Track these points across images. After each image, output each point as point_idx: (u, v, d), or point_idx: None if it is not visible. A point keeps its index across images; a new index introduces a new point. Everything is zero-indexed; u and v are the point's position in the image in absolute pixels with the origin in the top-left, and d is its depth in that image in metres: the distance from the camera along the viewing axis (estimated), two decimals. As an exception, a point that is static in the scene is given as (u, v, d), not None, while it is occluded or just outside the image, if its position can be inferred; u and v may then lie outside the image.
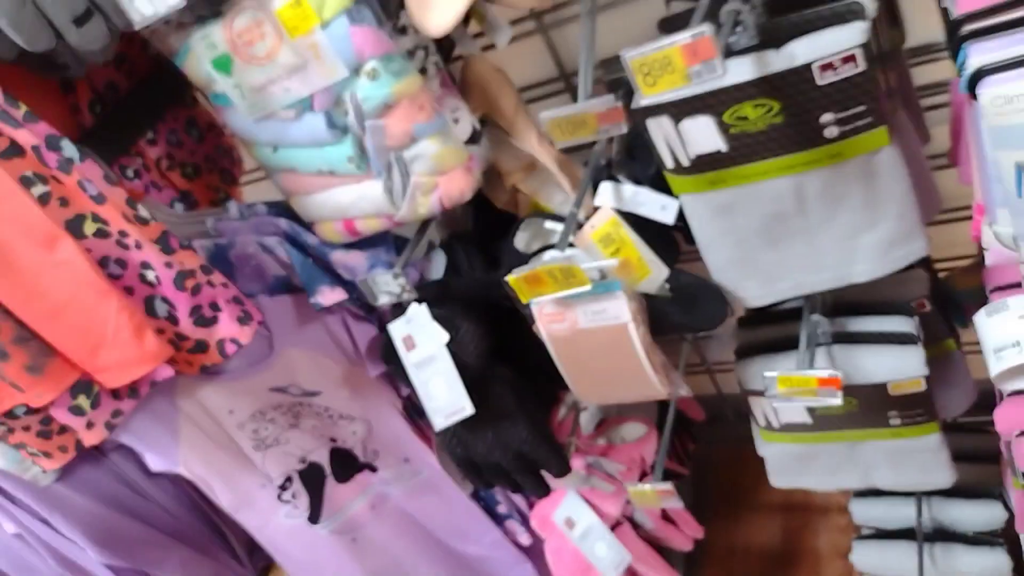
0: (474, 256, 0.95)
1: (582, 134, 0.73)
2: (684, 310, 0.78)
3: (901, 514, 1.12)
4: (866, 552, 1.12)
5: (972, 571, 1.05)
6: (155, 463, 1.03)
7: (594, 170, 0.82)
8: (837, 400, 0.74)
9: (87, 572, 1.09)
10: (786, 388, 0.76)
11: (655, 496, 1.04)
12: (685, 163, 0.74)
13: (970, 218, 0.94)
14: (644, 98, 0.67)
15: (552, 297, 0.75)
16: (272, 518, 1.12)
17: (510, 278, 0.75)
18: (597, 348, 0.80)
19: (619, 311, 0.75)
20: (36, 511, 1.01)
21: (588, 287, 0.72)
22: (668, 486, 1.03)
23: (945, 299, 0.94)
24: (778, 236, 0.78)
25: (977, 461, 1.06)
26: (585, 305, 0.76)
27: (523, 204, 0.96)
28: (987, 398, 1.11)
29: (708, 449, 1.46)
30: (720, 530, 1.51)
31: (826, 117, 0.67)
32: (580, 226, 0.78)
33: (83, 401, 0.81)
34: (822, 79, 0.64)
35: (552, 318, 0.80)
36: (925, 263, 0.93)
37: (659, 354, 0.80)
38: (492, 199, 0.95)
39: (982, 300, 0.85)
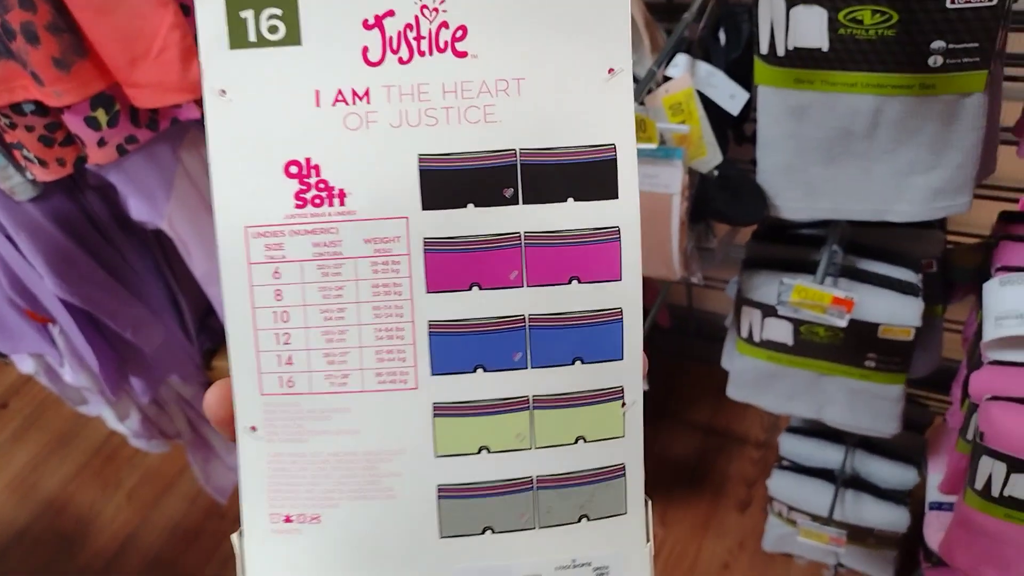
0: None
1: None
2: (727, 199, 0.79)
3: (825, 456, 1.19)
4: (784, 481, 1.18)
5: (874, 519, 1.13)
6: (139, 211, 0.99)
7: (678, 39, 0.80)
8: (843, 322, 0.77)
9: (38, 302, 1.06)
10: (799, 298, 0.78)
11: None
12: (780, 52, 0.72)
13: (995, 199, 0.98)
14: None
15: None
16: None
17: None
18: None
19: (671, 180, 0.75)
20: (2, 224, 0.97)
21: (654, 146, 0.71)
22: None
23: (945, 268, 0.97)
24: (837, 154, 0.78)
25: (906, 428, 1.13)
26: (640, 166, 0.76)
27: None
28: (935, 375, 1.17)
29: (655, 356, 1.50)
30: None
31: (937, 44, 0.67)
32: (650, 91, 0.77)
33: (101, 115, 0.77)
34: (954, 2, 0.64)
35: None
36: (942, 227, 0.95)
37: (688, 237, 0.81)
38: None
39: (974, 280, 0.89)
